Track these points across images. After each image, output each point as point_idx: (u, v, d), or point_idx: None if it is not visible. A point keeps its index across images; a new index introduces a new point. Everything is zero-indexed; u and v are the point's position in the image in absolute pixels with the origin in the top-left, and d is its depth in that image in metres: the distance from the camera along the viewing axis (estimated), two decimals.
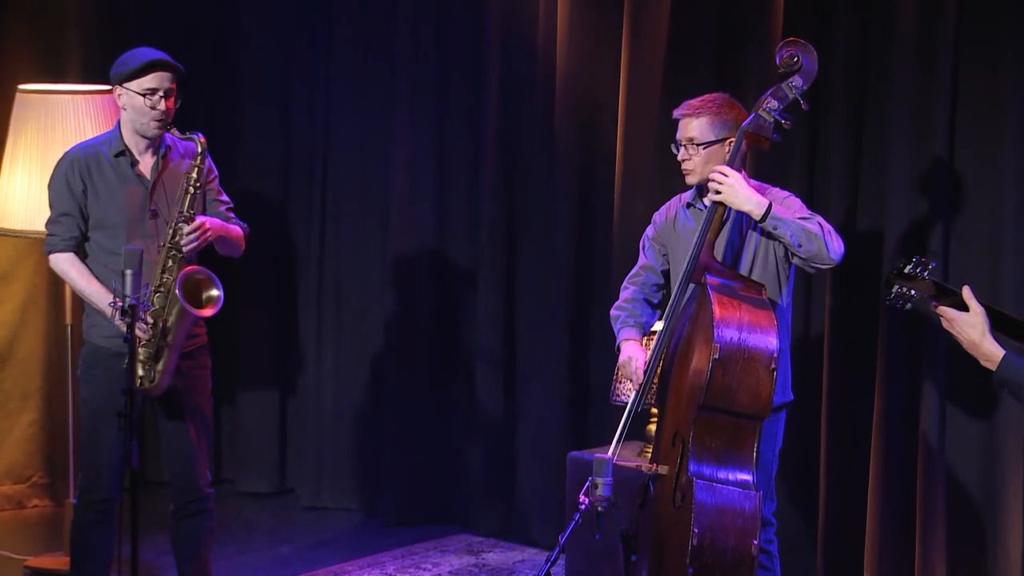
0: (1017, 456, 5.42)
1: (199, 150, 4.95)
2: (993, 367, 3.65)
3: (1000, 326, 3.72)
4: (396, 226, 7.21)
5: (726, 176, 4.54)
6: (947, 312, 3.74)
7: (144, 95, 4.90)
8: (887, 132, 5.68)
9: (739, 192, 4.52)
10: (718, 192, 4.55)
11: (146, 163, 5.03)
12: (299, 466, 7.71)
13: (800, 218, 4.53)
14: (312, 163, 7.59)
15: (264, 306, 7.66)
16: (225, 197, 5.23)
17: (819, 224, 4.52)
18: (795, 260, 4.61)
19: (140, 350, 4.86)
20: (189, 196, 4.93)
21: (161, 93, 4.92)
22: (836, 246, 4.52)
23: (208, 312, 4.95)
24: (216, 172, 5.20)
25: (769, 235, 4.58)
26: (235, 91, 7.69)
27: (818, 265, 4.54)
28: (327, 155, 7.51)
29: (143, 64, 4.91)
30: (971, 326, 3.69)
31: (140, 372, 4.89)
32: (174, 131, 4.96)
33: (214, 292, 4.97)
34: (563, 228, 6.65)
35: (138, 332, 4.74)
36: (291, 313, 7.71)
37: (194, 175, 4.94)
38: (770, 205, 4.49)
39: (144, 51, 4.99)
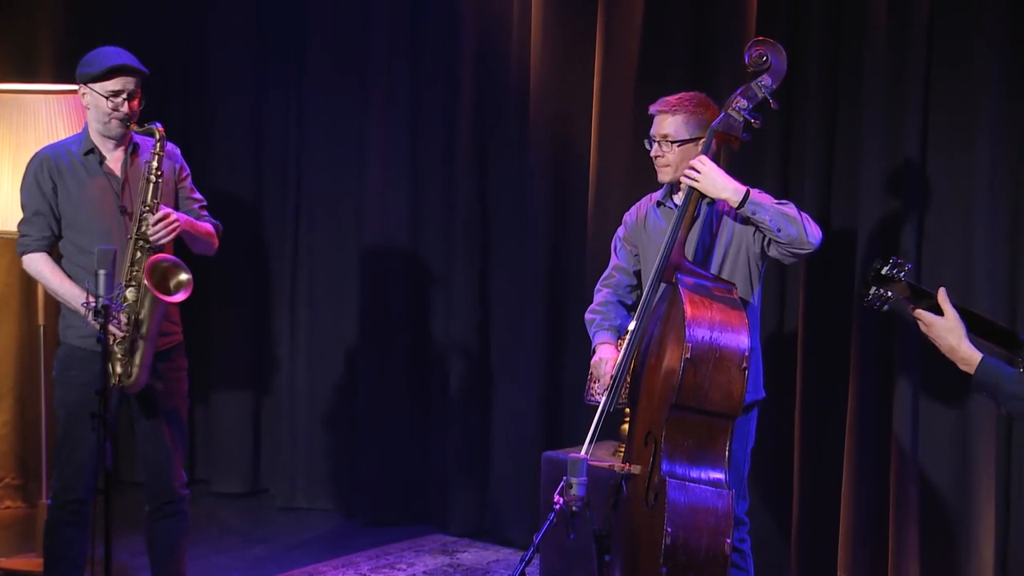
0: (989, 456, 5.44)
1: (157, 138, 4.96)
2: (971, 371, 3.67)
3: (972, 327, 3.74)
4: (370, 227, 7.22)
5: (703, 165, 4.56)
6: (925, 316, 3.76)
7: (107, 97, 4.93)
8: (860, 133, 5.70)
9: (716, 180, 4.54)
10: (695, 181, 4.56)
11: (115, 160, 5.04)
12: (273, 466, 7.71)
13: (777, 202, 4.55)
14: (285, 164, 7.59)
15: (238, 306, 7.65)
16: (198, 195, 5.23)
17: (795, 209, 4.54)
18: (772, 251, 4.61)
19: (116, 347, 4.85)
20: (152, 185, 4.93)
21: (125, 95, 4.95)
22: (814, 230, 4.53)
23: (180, 297, 4.93)
24: (188, 170, 5.21)
25: (747, 221, 4.58)
26: (208, 91, 7.68)
27: (796, 251, 4.54)
28: (300, 155, 7.51)
29: (108, 68, 4.93)
30: (948, 331, 3.72)
31: (118, 369, 4.88)
32: (133, 126, 4.98)
33: (183, 276, 4.95)
34: (537, 229, 6.65)
35: (112, 331, 4.74)
36: (265, 313, 7.71)
37: (154, 164, 4.94)
38: (748, 191, 4.51)
39: (109, 52, 5.00)
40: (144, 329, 4.89)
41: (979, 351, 3.67)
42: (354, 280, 7.35)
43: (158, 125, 4.96)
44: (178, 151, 5.16)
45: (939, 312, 3.75)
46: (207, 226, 5.18)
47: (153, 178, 4.93)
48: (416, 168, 7.16)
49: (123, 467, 7.00)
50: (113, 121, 4.96)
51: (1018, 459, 5.42)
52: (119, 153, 5.05)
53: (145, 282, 4.85)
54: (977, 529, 5.46)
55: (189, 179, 5.20)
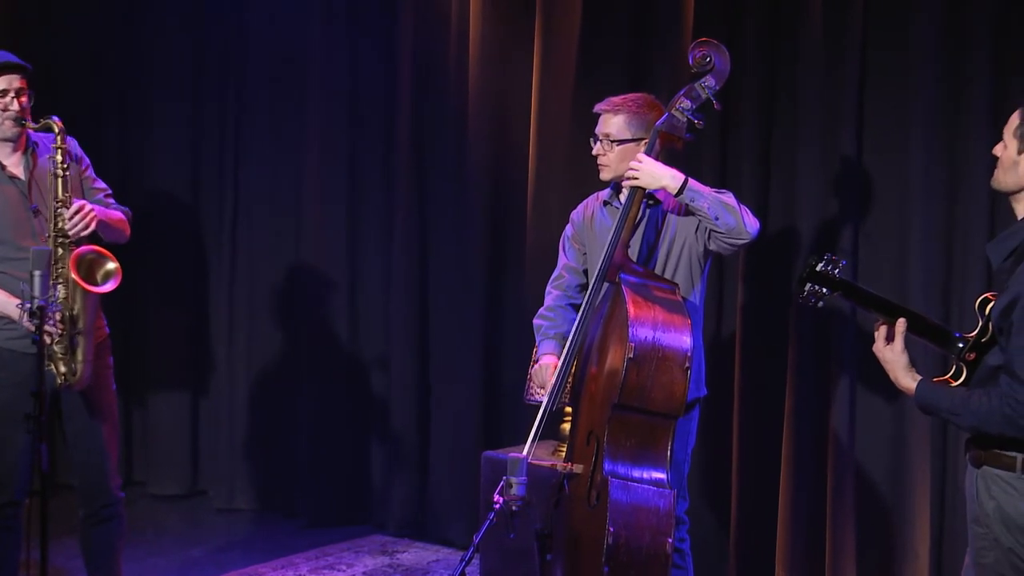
0: (924, 454, 5.48)
1: (56, 131, 4.90)
2: (910, 395, 3.75)
3: (909, 326, 3.78)
4: (308, 228, 7.19)
5: (640, 161, 4.58)
6: (879, 339, 3.80)
7: None
8: (796, 133, 5.74)
9: (654, 171, 4.56)
10: (635, 178, 4.57)
11: (14, 163, 4.97)
12: (211, 468, 7.66)
13: (716, 191, 4.58)
14: (223, 164, 7.56)
15: (175, 307, 7.60)
16: (101, 184, 5.17)
17: (734, 198, 4.57)
18: (712, 243, 4.63)
19: (56, 348, 4.80)
20: (60, 180, 4.88)
21: (12, 93, 4.88)
22: (751, 220, 4.56)
23: (110, 287, 4.88)
24: (88, 161, 5.14)
25: (687, 211, 4.60)
26: (146, 89, 7.62)
27: (734, 240, 4.56)
28: (238, 156, 7.48)
29: None
30: (887, 362, 3.79)
31: (62, 368, 4.83)
32: (29, 124, 4.91)
33: (110, 266, 4.91)
34: (476, 229, 6.65)
35: (50, 332, 4.70)
36: (203, 315, 7.66)
37: (59, 157, 4.89)
38: (686, 179, 4.52)
39: None
40: (81, 324, 4.85)
41: (918, 376, 3.74)
42: (292, 281, 7.32)
43: (55, 119, 4.90)
44: (75, 143, 5.08)
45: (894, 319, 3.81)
46: (118, 214, 5.13)
47: (60, 172, 4.88)
48: (354, 169, 7.14)
49: (56, 469, 6.92)
50: (7, 122, 4.89)
51: (953, 457, 5.47)
52: (17, 156, 4.98)
53: (73, 276, 4.80)
54: (913, 526, 5.51)
55: (90, 169, 5.14)
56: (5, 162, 4.95)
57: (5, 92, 4.87)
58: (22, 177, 4.95)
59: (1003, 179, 3.67)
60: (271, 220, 7.41)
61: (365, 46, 7.08)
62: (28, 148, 4.99)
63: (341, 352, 7.16)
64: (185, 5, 7.55)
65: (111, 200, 5.16)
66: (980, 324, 3.74)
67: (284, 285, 7.36)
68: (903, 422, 5.55)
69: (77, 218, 4.84)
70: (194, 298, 7.65)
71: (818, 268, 3.88)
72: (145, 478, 7.70)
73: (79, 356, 4.85)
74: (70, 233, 4.84)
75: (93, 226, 4.89)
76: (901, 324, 3.79)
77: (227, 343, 7.56)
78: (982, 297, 3.79)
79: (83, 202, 4.89)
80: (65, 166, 4.89)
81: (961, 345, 3.75)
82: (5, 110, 4.87)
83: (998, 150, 3.69)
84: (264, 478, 7.47)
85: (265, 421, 7.46)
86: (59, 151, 4.89)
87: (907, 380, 3.76)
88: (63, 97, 6.81)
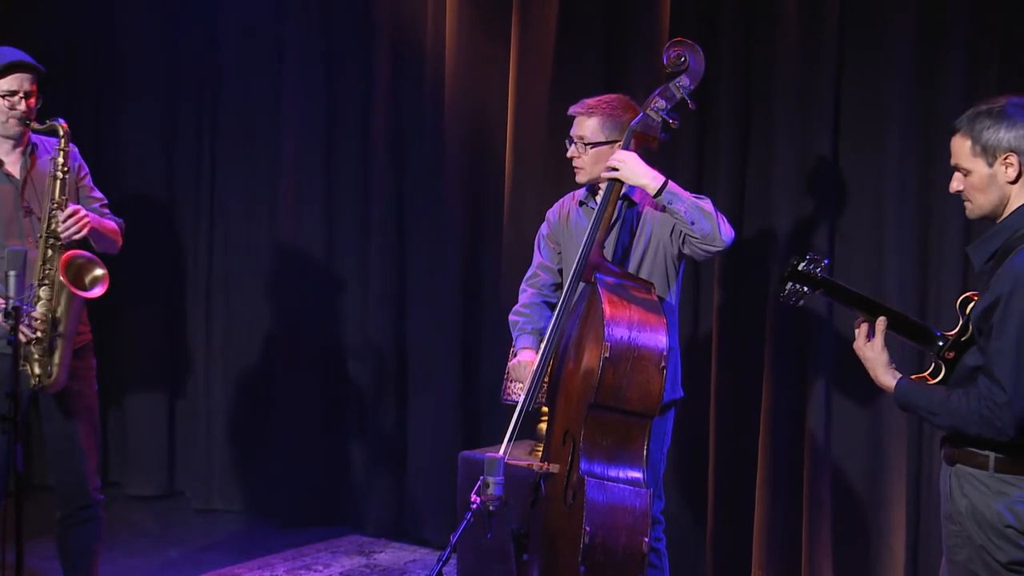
0: (901, 454, 5.50)
1: (60, 134, 4.89)
2: (890, 392, 3.76)
3: (890, 325, 3.80)
4: (284, 228, 7.18)
5: (623, 156, 4.58)
6: (860, 336, 3.82)
7: (3, 96, 4.87)
8: (772, 132, 5.75)
9: (635, 168, 4.56)
10: (616, 171, 4.57)
11: (12, 162, 4.96)
12: (188, 468, 7.65)
13: (694, 196, 4.58)
14: (199, 163, 7.54)
15: (151, 308, 7.58)
16: (98, 193, 5.17)
17: (712, 205, 4.58)
18: (686, 248, 4.64)
19: (33, 348, 4.78)
20: (59, 182, 4.87)
21: (21, 94, 4.88)
22: (727, 229, 4.57)
23: (97, 292, 4.87)
24: (87, 169, 5.14)
25: (664, 212, 4.61)
26: (119, 89, 7.60)
27: (708, 247, 4.57)
28: (214, 155, 7.47)
29: (2, 66, 4.86)
30: (867, 360, 3.81)
31: (36, 370, 4.81)
32: (34, 124, 4.91)
33: (99, 272, 4.89)
34: (453, 228, 6.65)
35: (26, 332, 4.68)
36: (179, 315, 7.65)
37: (60, 160, 4.88)
38: (666, 180, 4.53)
39: (3, 51, 4.93)
40: (62, 327, 4.83)
41: (898, 374, 3.76)
42: (268, 282, 7.30)
43: (61, 121, 4.90)
44: (75, 150, 5.08)
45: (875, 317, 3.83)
46: (111, 223, 5.12)
47: (60, 174, 4.88)
48: (330, 168, 7.13)
49: (33, 470, 6.90)
50: (11, 120, 4.89)
51: (928, 454, 5.49)
52: (16, 155, 4.97)
53: (61, 279, 4.78)
54: (889, 525, 5.53)
55: (88, 178, 5.14)
56: (4, 159, 4.95)
57: (14, 92, 4.87)
58: (18, 176, 4.94)
59: (982, 202, 3.67)
60: (247, 222, 7.39)
61: (341, 47, 7.07)
62: (28, 148, 4.98)
63: (318, 352, 7.15)
64: (160, 6, 7.53)
65: (106, 210, 5.15)
66: (960, 323, 3.76)
67: (261, 287, 7.35)
68: (879, 422, 5.56)
69: (71, 221, 4.83)
70: (170, 298, 7.63)
71: (800, 267, 3.88)
72: (121, 479, 7.68)
73: (56, 359, 4.84)
74: (62, 235, 4.83)
75: (85, 231, 4.88)
76: (881, 322, 3.80)
77: (204, 344, 7.55)
78: (963, 296, 3.81)
79: (78, 206, 4.89)
80: (66, 169, 4.88)
81: (941, 344, 3.77)
82: (12, 109, 4.87)
83: (956, 185, 3.70)
84: (241, 478, 7.46)
85: (242, 421, 7.45)
86: (61, 153, 4.89)
87: (887, 378, 3.78)
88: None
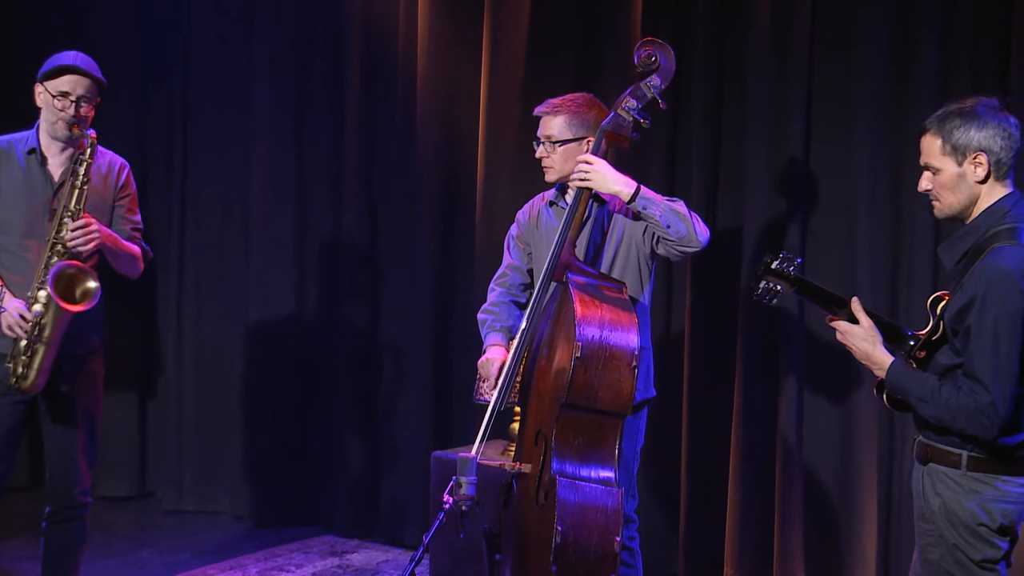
0: (871, 451, 5.53)
1: (87, 144, 4.86)
2: (883, 375, 3.75)
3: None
4: (256, 230, 7.16)
5: (591, 164, 4.57)
6: (841, 325, 3.83)
7: (56, 97, 4.84)
8: (744, 131, 5.77)
9: (607, 176, 4.55)
10: (585, 179, 4.57)
11: (56, 164, 4.94)
12: (160, 469, 7.62)
13: (667, 199, 4.58)
14: (170, 165, 7.52)
15: (122, 308, 7.52)
16: (137, 218, 5.13)
17: (685, 206, 4.58)
18: (660, 248, 4.63)
19: (21, 346, 4.77)
20: (76, 191, 4.82)
21: (73, 98, 4.85)
22: (702, 229, 4.56)
23: (82, 307, 4.83)
24: (134, 191, 5.12)
25: (638, 217, 4.61)
26: None
27: (684, 248, 4.57)
28: (186, 157, 7.44)
29: (59, 67, 4.85)
30: (863, 339, 3.80)
31: (19, 370, 4.79)
32: (76, 131, 4.87)
33: (91, 285, 4.85)
34: (425, 229, 6.64)
35: (14, 329, 4.71)
36: (151, 316, 7.62)
37: (81, 170, 4.84)
38: (639, 186, 4.52)
39: (67, 54, 4.92)
40: (46, 334, 4.80)
41: (891, 355, 3.76)
42: (240, 283, 7.29)
43: (91, 132, 4.87)
44: (128, 168, 5.08)
45: (853, 319, 3.83)
46: (133, 247, 5.06)
47: (79, 184, 4.83)
48: (302, 170, 7.12)
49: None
50: (60, 122, 4.87)
51: (899, 453, 5.52)
52: (63, 158, 4.95)
53: (48, 288, 4.75)
54: (860, 522, 5.55)
55: (130, 199, 5.10)
56: (49, 158, 4.93)
57: (66, 95, 4.85)
58: (56, 179, 4.92)
59: (951, 201, 3.69)
60: (219, 222, 7.38)
61: (314, 44, 7.06)
62: (79, 154, 4.92)
63: (290, 353, 7.14)
64: (132, 6, 7.50)
65: (137, 235, 5.11)
66: (932, 322, 3.77)
67: (233, 288, 7.33)
68: (850, 420, 5.58)
69: (79, 232, 4.78)
70: (142, 299, 7.60)
71: (774, 265, 3.89)
72: (93, 479, 7.61)
73: (35, 364, 4.81)
74: (68, 244, 4.79)
75: (92, 245, 4.82)
76: (856, 301, 3.81)
77: (175, 345, 7.52)
78: (934, 296, 3.83)
79: (91, 219, 4.83)
80: (86, 179, 4.83)
81: (912, 343, 3.78)
82: (62, 111, 4.85)
83: (925, 184, 3.72)
84: (213, 479, 7.44)
85: (213, 422, 7.43)
86: (83, 164, 4.84)
87: (882, 354, 3.77)
88: (4, 92, 6.77)
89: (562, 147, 4.72)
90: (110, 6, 7.50)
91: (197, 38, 7.38)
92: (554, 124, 4.74)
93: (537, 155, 4.79)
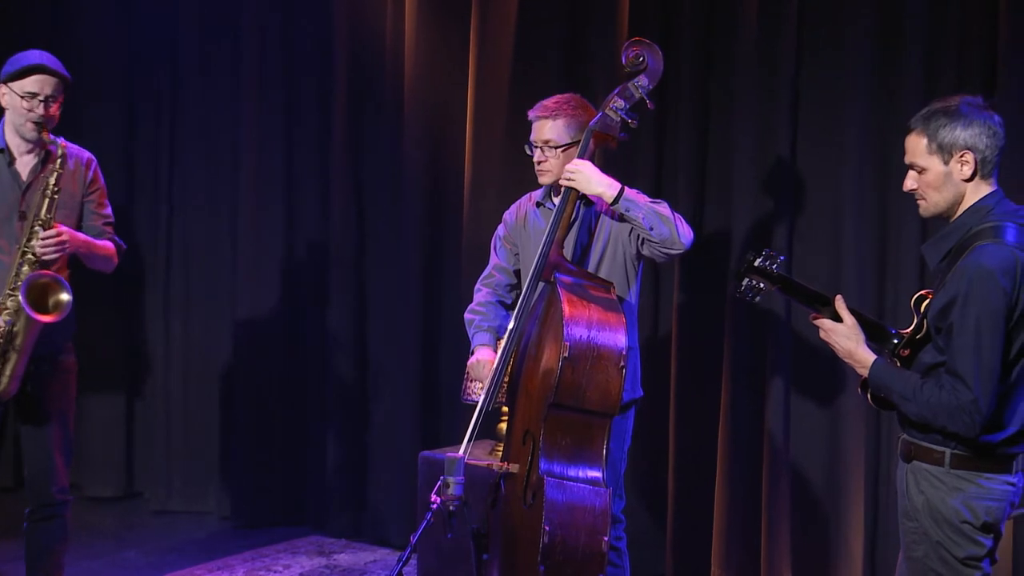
0: (858, 452, 5.53)
1: (58, 154, 4.86)
2: (865, 373, 3.76)
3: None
4: (244, 229, 7.15)
5: (577, 164, 4.58)
6: (824, 323, 3.84)
7: (23, 97, 4.83)
8: (731, 132, 5.77)
9: (591, 177, 4.57)
10: (570, 180, 4.58)
11: (24, 164, 4.93)
12: (147, 470, 7.61)
13: (651, 201, 4.59)
14: (158, 164, 7.51)
15: (109, 308, 7.54)
16: (107, 212, 5.13)
17: (669, 208, 4.59)
18: (644, 249, 4.64)
19: None
20: (48, 200, 4.82)
21: (41, 98, 4.84)
22: (686, 231, 4.57)
23: (52, 318, 4.82)
24: (102, 185, 5.11)
25: (622, 219, 4.62)
26: (78, 91, 7.53)
27: (667, 250, 4.58)
28: (173, 156, 7.44)
29: (25, 67, 4.84)
30: (846, 337, 3.81)
31: None
32: (46, 136, 4.86)
33: (63, 297, 4.85)
34: (413, 230, 6.64)
35: None
36: (138, 315, 7.61)
37: (52, 180, 4.83)
38: (623, 188, 4.54)
39: (31, 54, 4.91)
40: (18, 341, 4.79)
41: (873, 354, 3.77)
42: (229, 282, 7.28)
43: (61, 140, 4.87)
44: (96, 163, 5.06)
45: (834, 316, 3.84)
46: (106, 244, 5.07)
47: (49, 193, 4.83)
48: (291, 170, 7.11)
49: None
50: (27, 123, 4.86)
51: (887, 454, 5.53)
52: (31, 157, 4.95)
53: (19, 297, 4.74)
54: (847, 521, 5.56)
55: (99, 193, 5.09)
56: (17, 157, 4.92)
57: (34, 95, 4.84)
58: (24, 179, 4.91)
59: (936, 200, 3.70)
60: (207, 224, 7.37)
61: (301, 44, 7.05)
62: (42, 154, 4.93)
63: (278, 353, 7.13)
64: (119, 4, 7.49)
65: (108, 228, 5.12)
66: (916, 321, 3.78)
67: (220, 288, 7.33)
68: (837, 420, 5.59)
69: (51, 242, 4.78)
70: (129, 299, 7.59)
71: (756, 263, 3.90)
72: (80, 480, 7.62)
73: (7, 371, 4.81)
74: (39, 253, 4.79)
75: (62, 254, 4.82)
76: (839, 299, 3.82)
77: (162, 344, 7.51)
78: (918, 294, 3.84)
79: (63, 228, 4.83)
80: (56, 189, 4.82)
81: (896, 341, 3.80)
82: (30, 111, 4.84)
83: (910, 183, 3.73)
84: (200, 480, 7.43)
85: (201, 422, 7.42)
86: (55, 174, 4.84)
87: (864, 352, 3.78)
88: None
89: (563, 151, 4.72)
90: (97, 4, 7.48)
91: (184, 40, 7.36)
92: (552, 128, 4.73)
93: (536, 159, 4.78)
